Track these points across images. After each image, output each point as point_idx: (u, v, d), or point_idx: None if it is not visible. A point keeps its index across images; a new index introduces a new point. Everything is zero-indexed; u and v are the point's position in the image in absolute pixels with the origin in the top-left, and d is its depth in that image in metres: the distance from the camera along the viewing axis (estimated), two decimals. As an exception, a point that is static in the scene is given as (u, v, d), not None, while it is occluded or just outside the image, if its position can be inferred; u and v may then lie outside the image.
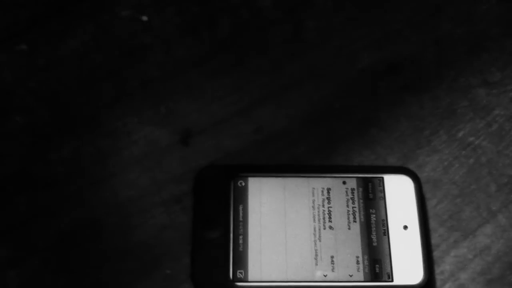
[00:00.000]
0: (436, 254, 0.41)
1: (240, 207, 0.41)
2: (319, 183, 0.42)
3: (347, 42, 0.47)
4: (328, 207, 0.41)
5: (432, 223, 0.42)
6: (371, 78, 0.46)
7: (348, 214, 0.41)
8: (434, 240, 0.42)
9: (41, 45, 0.46)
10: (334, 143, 0.44)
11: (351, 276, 0.39)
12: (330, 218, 0.41)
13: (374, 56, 0.47)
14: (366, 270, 0.39)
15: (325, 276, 0.39)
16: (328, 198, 0.41)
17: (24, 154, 0.43)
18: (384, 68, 0.47)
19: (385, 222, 0.41)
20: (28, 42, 0.46)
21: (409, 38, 0.48)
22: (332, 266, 0.39)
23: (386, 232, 0.40)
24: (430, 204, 0.43)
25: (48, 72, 0.45)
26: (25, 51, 0.46)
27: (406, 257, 0.40)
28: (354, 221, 0.40)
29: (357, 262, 0.39)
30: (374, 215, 0.41)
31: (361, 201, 0.41)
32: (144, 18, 0.47)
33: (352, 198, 0.41)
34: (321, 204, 0.41)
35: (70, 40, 0.46)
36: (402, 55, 0.47)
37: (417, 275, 0.39)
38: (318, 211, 0.41)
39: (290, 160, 0.43)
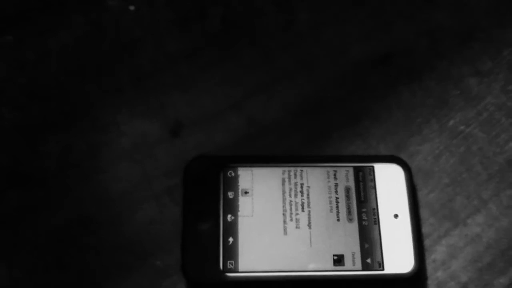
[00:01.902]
0: (427, 242, 0.41)
1: (230, 198, 0.41)
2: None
3: (339, 33, 0.47)
4: (319, 196, 0.41)
5: (423, 212, 0.42)
6: (363, 69, 0.46)
7: (339, 204, 0.41)
8: (425, 229, 0.42)
9: (30, 39, 0.46)
10: (326, 134, 0.44)
11: (342, 265, 0.39)
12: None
13: (366, 47, 0.47)
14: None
15: (316, 265, 0.39)
16: (319, 188, 0.41)
17: (13, 149, 0.43)
18: (376, 58, 0.46)
19: (376, 211, 0.40)
20: (16, 35, 0.46)
21: (400, 29, 0.47)
22: (324, 255, 0.39)
23: (376, 221, 0.40)
24: (421, 193, 0.43)
25: (37, 66, 0.45)
26: (12, 43, 0.46)
27: (397, 246, 0.40)
28: (345, 211, 0.41)
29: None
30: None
31: (351, 190, 0.41)
32: (131, 7, 0.47)
33: (343, 188, 0.41)
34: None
35: (59, 33, 0.46)
36: (393, 46, 0.47)
37: (408, 264, 0.39)
38: (309, 201, 0.41)
39: (282, 152, 0.43)
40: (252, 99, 0.45)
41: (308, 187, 0.41)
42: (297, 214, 0.40)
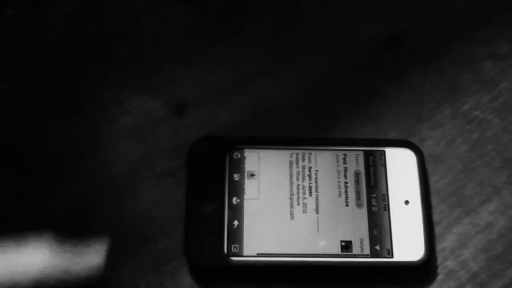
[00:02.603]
0: (437, 230, 0.40)
1: (236, 180, 0.40)
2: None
3: (349, 12, 0.46)
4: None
5: (434, 199, 0.41)
6: (373, 50, 0.45)
7: (348, 188, 0.40)
8: (436, 216, 0.41)
9: (30, 11, 0.45)
10: (335, 117, 0.43)
11: (350, 251, 0.38)
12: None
13: (376, 27, 0.46)
14: (366, 246, 0.38)
15: (323, 251, 0.38)
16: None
17: (12, 125, 0.42)
18: (387, 39, 0.45)
19: (386, 196, 0.39)
20: (16, 8, 0.45)
21: (413, 8, 0.46)
22: (331, 241, 0.38)
23: (386, 207, 0.39)
24: (433, 179, 0.42)
25: (37, 41, 0.44)
26: (12, 16, 0.45)
27: (406, 233, 0.39)
28: (354, 196, 0.40)
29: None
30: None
31: (361, 175, 0.40)
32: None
33: (352, 172, 0.40)
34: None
35: (59, 7, 0.45)
36: (406, 26, 0.46)
37: (418, 252, 0.38)
38: (317, 185, 0.40)
39: (288, 133, 0.42)
40: (258, 79, 0.44)
41: (317, 170, 0.40)
42: (304, 198, 0.39)
